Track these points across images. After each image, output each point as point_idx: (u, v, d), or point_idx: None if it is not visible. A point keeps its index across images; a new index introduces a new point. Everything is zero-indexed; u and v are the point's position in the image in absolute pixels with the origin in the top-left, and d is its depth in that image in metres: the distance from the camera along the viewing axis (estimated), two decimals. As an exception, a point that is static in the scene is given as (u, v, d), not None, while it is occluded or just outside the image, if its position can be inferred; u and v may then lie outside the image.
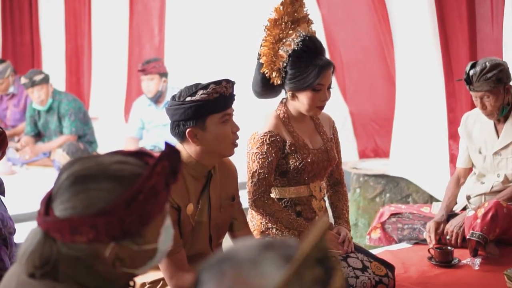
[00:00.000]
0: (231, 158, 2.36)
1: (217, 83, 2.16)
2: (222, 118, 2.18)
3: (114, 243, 1.19)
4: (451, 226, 3.19)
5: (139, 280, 2.24)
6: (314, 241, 0.84)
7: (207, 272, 0.90)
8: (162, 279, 2.25)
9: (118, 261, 1.21)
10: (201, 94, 2.13)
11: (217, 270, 0.89)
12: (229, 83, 2.19)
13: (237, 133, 2.25)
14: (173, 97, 2.21)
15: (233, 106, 2.24)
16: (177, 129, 2.20)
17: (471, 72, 3.09)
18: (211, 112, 2.16)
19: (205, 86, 2.14)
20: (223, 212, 2.32)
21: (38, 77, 5.38)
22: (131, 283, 1.32)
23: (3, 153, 2.08)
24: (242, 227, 2.42)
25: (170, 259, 2.12)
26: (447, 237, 3.19)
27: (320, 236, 0.86)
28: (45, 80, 5.43)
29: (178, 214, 2.16)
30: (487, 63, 3.07)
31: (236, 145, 2.25)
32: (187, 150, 2.21)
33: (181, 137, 2.21)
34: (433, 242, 3.17)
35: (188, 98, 2.15)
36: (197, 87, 2.16)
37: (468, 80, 3.10)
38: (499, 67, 3.07)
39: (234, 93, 2.23)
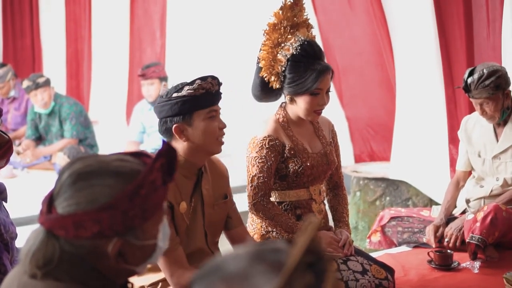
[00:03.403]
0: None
1: (203, 79, 2.19)
2: (209, 113, 2.21)
3: (117, 237, 1.21)
4: (451, 229, 3.20)
5: (138, 282, 2.25)
6: (304, 246, 0.84)
7: (198, 285, 0.90)
8: (161, 280, 2.27)
9: (120, 257, 1.24)
10: (188, 90, 2.17)
11: (207, 284, 0.89)
12: (215, 80, 2.23)
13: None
14: (161, 96, 2.25)
15: (220, 104, 2.26)
16: (165, 125, 2.23)
17: (469, 80, 3.09)
18: (197, 108, 2.19)
19: (191, 82, 2.18)
20: (217, 210, 2.34)
21: (41, 80, 5.41)
22: (129, 286, 1.34)
23: (7, 161, 2.09)
24: (237, 225, 2.43)
25: (168, 257, 2.13)
26: (446, 239, 3.20)
27: (310, 240, 0.85)
28: (48, 82, 5.47)
29: (172, 212, 2.18)
30: (484, 70, 3.06)
31: (222, 142, 2.27)
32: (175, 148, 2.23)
33: (169, 134, 2.23)
34: (433, 245, 3.18)
35: (175, 94, 2.18)
36: (183, 84, 2.20)
37: (467, 88, 3.11)
38: (497, 73, 3.06)
39: (221, 91, 2.26)
